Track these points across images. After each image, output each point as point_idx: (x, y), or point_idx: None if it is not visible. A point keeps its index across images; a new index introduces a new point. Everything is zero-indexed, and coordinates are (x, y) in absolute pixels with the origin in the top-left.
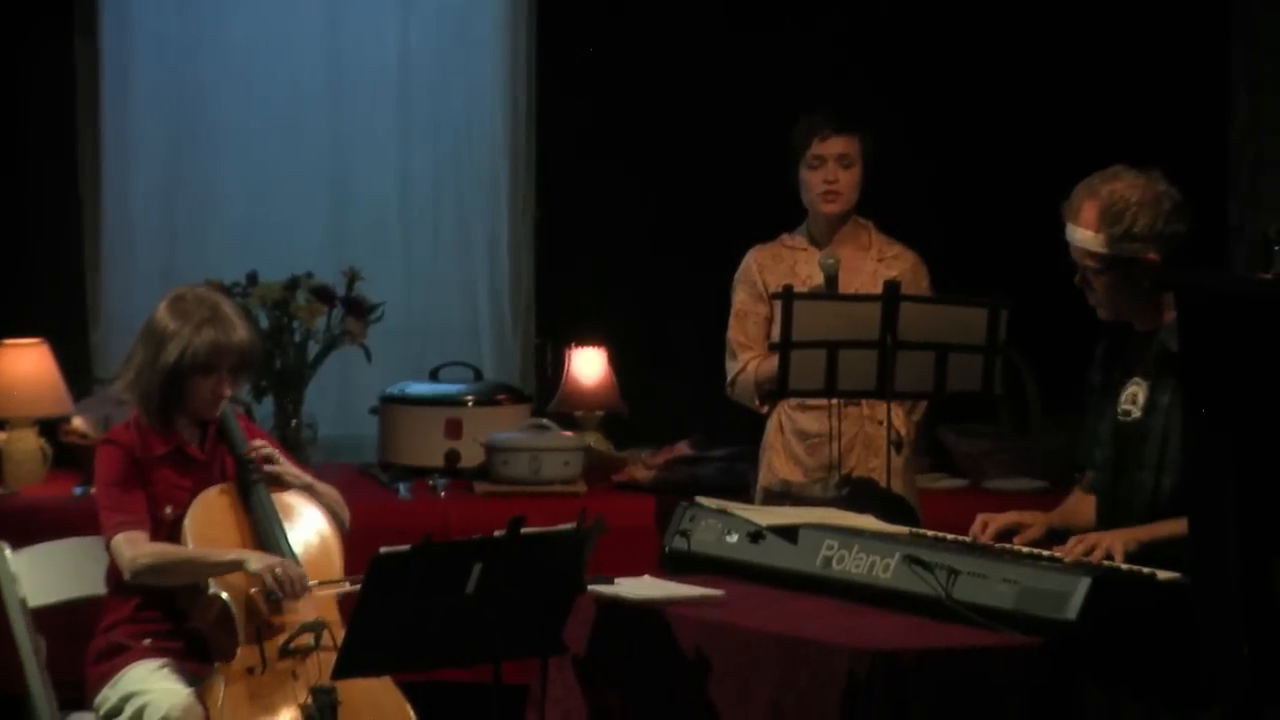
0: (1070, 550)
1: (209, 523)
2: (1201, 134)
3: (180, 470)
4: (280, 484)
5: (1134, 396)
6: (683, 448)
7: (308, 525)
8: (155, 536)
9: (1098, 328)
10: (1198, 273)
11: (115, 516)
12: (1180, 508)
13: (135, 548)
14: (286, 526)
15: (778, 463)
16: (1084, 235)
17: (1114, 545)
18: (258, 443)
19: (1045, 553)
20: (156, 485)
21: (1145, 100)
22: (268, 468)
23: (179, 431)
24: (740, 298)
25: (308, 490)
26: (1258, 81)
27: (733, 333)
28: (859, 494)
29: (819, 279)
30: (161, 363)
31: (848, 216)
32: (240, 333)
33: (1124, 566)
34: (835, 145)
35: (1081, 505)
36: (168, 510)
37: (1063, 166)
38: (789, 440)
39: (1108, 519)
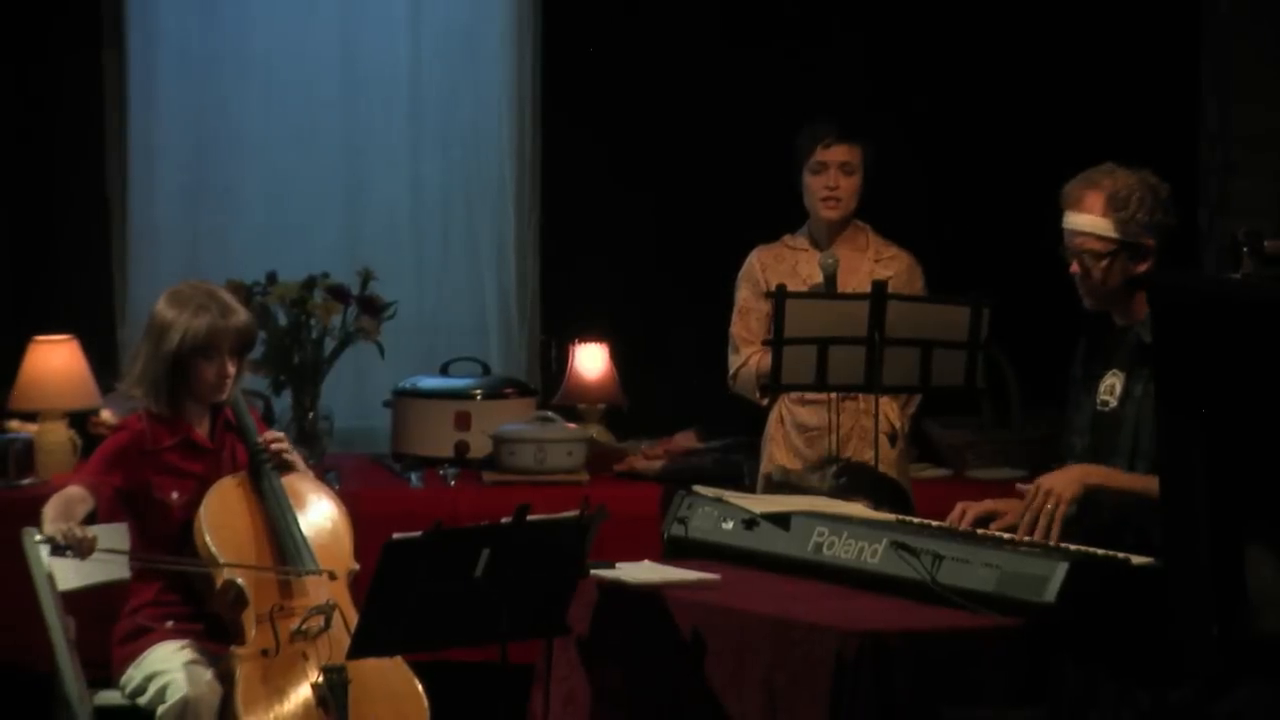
0: (1023, 524)
1: (223, 510)
2: (1173, 141)
3: (188, 458)
4: (291, 471)
5: (1111, 387)
6: (687, 438)
7: (319, 512)
8: (163, 521)
9: (1074, 325)
10: (1170, 272)
11: (81, 475)
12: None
13: (52, 498)
14: (298, 513)
15: (778, 454)
16: (1089, 220)
17: (1061, 487)
18: (271, 433)
19: (1009, 536)
20: (163, 473)
21: (1120, 110)
22: (280, 453)
23: (188, 421)
24: (743, 295)
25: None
26: (1226, 91)
27: (735, 328)
28: (854, 478)
29: (819, 279)
30: (164, 350)
31: (848, 221)
32: (237, 315)
33: (1099, 551)
34: (838, 153)
35: None
36: (174, 495)
37: (1043, 175)
38: (789, 432)
39: None
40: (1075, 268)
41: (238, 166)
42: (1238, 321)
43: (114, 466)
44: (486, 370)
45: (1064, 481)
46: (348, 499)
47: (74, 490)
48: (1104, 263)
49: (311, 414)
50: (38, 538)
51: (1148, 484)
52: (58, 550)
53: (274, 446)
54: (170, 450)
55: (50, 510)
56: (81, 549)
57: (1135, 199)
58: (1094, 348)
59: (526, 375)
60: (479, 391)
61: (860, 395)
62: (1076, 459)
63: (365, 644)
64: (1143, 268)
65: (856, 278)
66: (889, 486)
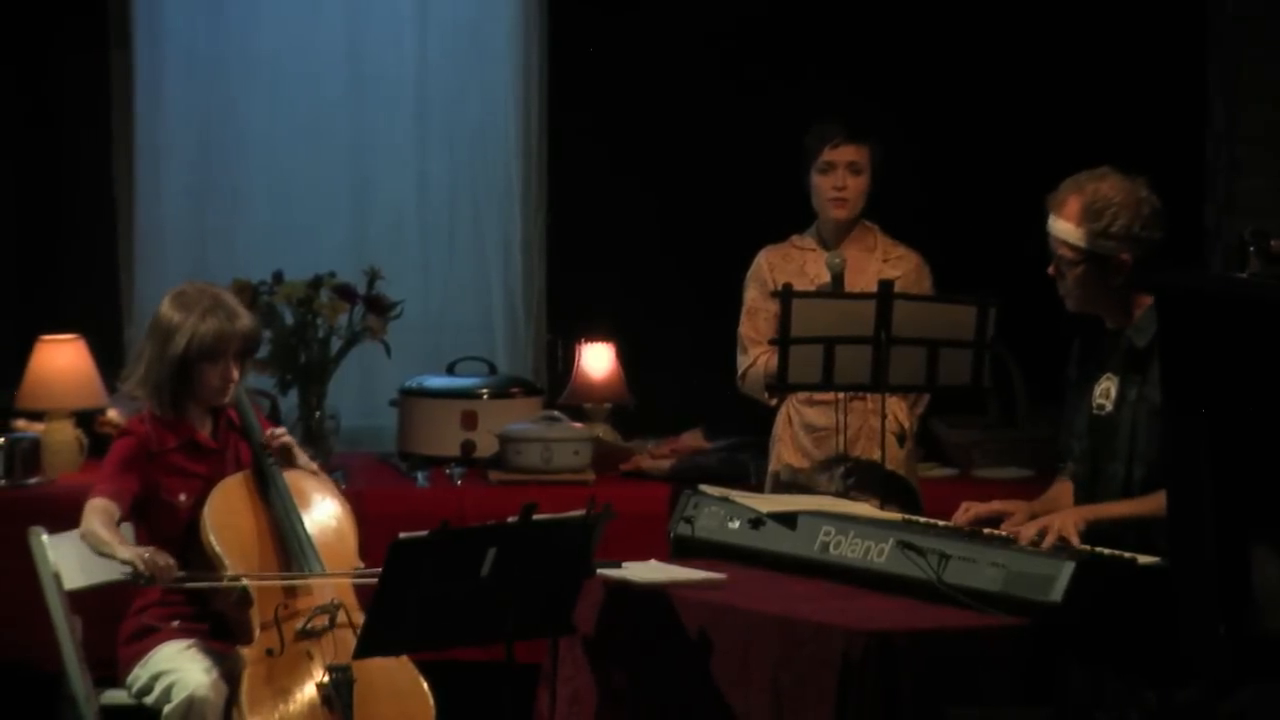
0: (1025, 535)
1: (227, 510)
2: (1179, 141)
3: (193, 459)
4: (295, 469)
5: (1106, 391)
6: (693, 437)
7: (323, 511)
8: (171, 522)
9: (1079, 325)
10: (1175, 271)
11: (103, 485)
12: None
13: (92, 515)
14: (302, 513)
15: (786, 454)
16: (1064, 227)
17: (1066, 527)
18: (277, 430)
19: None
20: (171, 474)
21: (1127, 110)
22: (283, 448)
23: (190, 422)
24: (751, 295)
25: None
26: (1233, 90)
27: (744, 329)
28: (863, 478)
29: (827, 279)
30: (170, 354)
31: (855, 221)
32: (243, 319)
33: (1105, 551)
34: (846, 153)
35: (1063, 494)
36: (181, 497)
37: (1049, 175)
38: (797, 433)
39: None
40: (1052, 270)
41: (244, 166)
42: (1244, 321)
43: (129, 471)
44: (493, 370)
45: (1064, 520)
46: (354, 498)
47: (107, 504)
48: (1076, 270)
49: (318, 413)
50: (122, 572)
51: (1139, 508)
52: (139, 580)
53: (279, 441)
54: (175, 452)
55: (104, 531)
56: (163, 577)
57: (1111, 212)
58: (1088, 351)
59: (533, 375)
60: (485, 391)
61: (868, 395)
62: (1076, 461)
63: (372, 644)
64: (1117, 280)
65: (864, 278)
66: (898, 486)
